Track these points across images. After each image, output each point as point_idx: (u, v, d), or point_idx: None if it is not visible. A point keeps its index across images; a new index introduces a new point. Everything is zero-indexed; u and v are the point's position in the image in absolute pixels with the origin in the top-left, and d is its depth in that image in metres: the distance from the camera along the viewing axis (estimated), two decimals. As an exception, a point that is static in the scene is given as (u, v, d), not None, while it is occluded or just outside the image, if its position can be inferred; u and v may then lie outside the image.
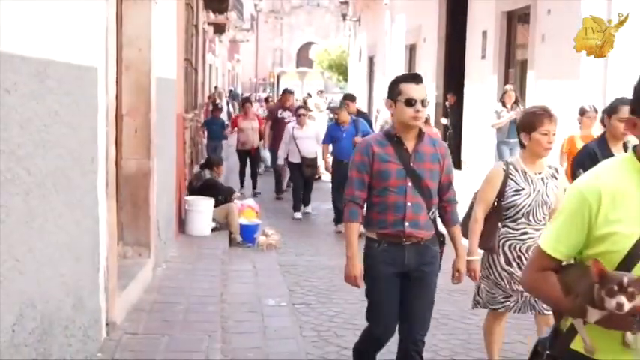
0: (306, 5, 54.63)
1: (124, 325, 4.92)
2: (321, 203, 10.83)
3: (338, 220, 9.35)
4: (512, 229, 3.98)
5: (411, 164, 3.62)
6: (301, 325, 5.56)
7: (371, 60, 22.80)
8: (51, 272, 3.58)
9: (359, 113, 10.55)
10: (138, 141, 5.93)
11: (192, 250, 7.53)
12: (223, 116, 18.36)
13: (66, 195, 3.76)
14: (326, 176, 10.71)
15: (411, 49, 17.45)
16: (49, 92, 3.51)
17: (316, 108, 18.12)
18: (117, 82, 5.20)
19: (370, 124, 10.55)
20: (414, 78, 3.70)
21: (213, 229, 8.34)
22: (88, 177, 4.15)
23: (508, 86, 10.32)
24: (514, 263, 4.01)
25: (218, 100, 18.93)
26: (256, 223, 8.62)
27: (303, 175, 10.41)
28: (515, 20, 11.38)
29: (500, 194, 3.97)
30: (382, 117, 14.36)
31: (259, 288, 6.56)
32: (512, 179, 3.97)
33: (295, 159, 10.45)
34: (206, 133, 14.09)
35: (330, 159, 10.12)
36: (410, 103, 3.58)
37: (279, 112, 12.28)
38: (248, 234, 8.39)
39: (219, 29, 23.63)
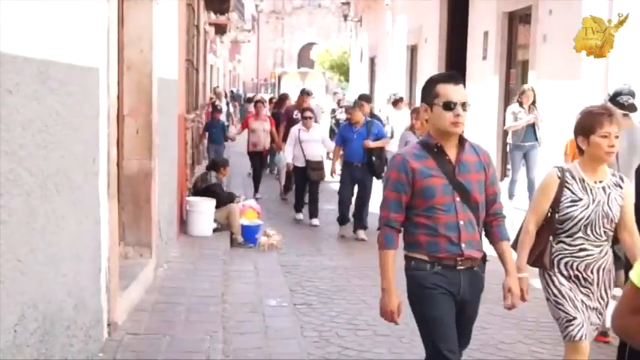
0: (307, 6, 54.64)
1: (126, 325, 4.92)
2: (323, 204, 10.83)
3: (342, 221, 9.27)
4: (569, 245, 3.60)
5: (457, 177, 3.18)
6: (302, 325, 5.56)
7: (372, 60, 22.78)
8: (52, 273, 3.58)
9: (372, 116, 10.25)
10: (139, 141, 5.93)
11: (194, 250, 7.54)
12: (222, 118, 18.26)
13: (67, 196, 3.77)
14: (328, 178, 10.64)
15: (413, 50, 17.43)
16: (50, 93, 3.51)
17: (318, 109, 18.11)
18: (118, 82, 5.21)
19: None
20: (452, 78, 3.25)
21: (214, 230, 8.34)
22: (89, 178, 4.16)
23: (526, 86, 9.46)
24: (572, 283, 3.62)
25: (217, 102, 18.79)
26: (258, 224, 8.63)
27: (308, 179, 10.07)
28: (517, 21, 11.38)
29: (555, 204, 3.58)
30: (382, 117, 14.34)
31: (260, 288, 6.56)
32: (568, 188, 3.58)
33: (300, 163, 10.13)
34: (207, 135, 13.97)
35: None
36: (448, 106, 3.15)
37: (295, 113, 11.82)
38: (249, 234, 8.40)
39: (221, 30, 23.64)
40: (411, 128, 8.87)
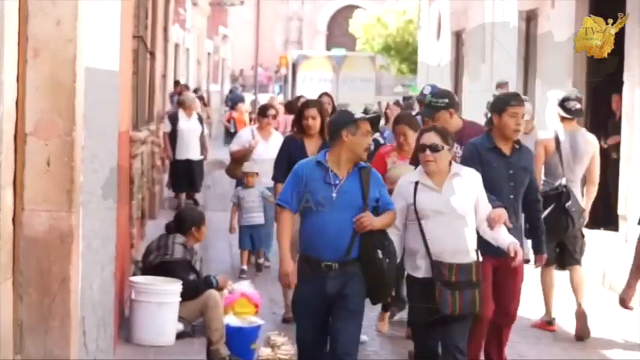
0: (343, -57, 55.31)
1: None
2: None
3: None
4: None
5: None
6: None
7: (457, 36, 22.92)
8: None
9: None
10: (52, 180, 5.99)
11: (143, 370, 7.57)
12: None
13: None
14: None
15: (529, 19, 17.52)
16: None
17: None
18: (18, 78, 5.29)
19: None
20: None
21: (179, 335, 8.35)
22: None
23: None
24: None
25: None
26: (255, 325, 8.63)
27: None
28: None
29: None
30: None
31: None
32: None
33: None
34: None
35: None
36: None
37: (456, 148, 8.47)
38: (241, 343, 8.41)
39: (194, -16, 23.98)
40: None
